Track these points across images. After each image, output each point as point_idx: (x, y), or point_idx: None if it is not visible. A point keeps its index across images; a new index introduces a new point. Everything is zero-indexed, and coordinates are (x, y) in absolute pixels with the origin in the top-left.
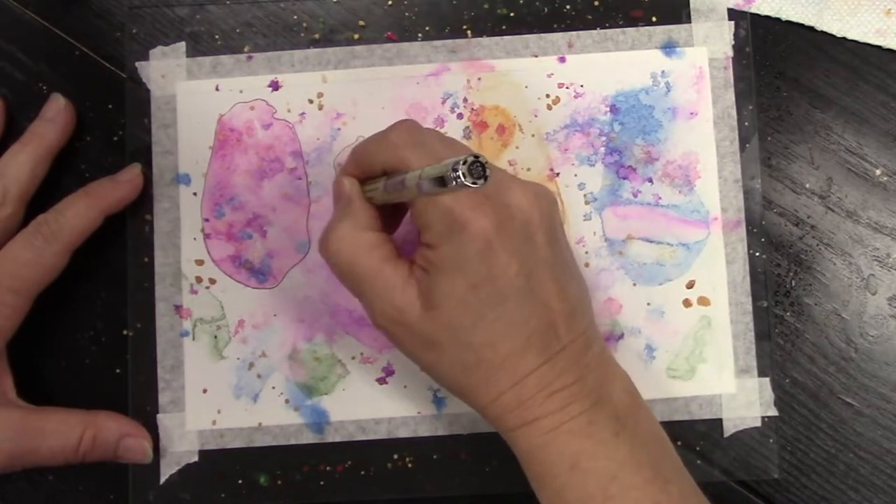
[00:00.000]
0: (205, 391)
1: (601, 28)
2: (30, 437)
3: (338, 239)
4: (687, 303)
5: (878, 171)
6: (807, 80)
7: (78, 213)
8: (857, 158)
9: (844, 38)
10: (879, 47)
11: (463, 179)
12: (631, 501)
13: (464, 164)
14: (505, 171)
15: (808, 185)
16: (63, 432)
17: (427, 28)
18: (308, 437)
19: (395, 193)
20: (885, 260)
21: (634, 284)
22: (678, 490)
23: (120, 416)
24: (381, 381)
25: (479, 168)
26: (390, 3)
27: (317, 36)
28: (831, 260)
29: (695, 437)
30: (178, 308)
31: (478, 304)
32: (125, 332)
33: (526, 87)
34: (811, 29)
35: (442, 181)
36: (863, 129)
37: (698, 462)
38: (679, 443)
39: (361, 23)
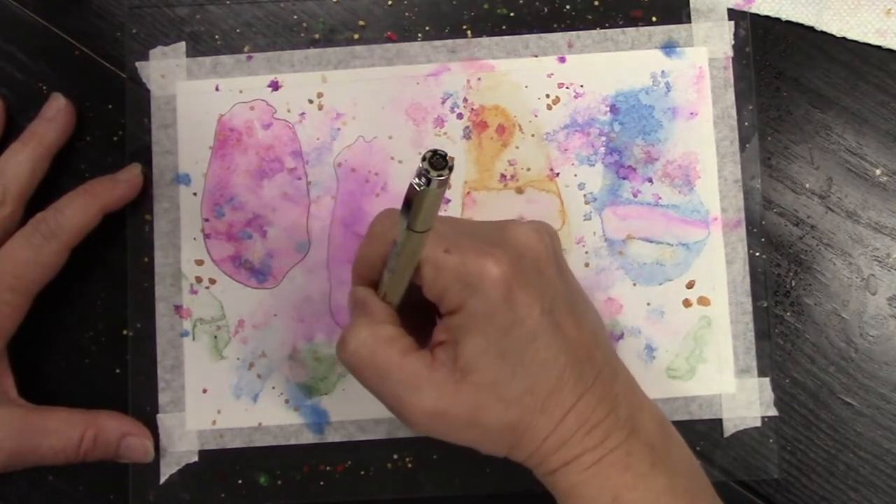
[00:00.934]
0: (205, 391)
1: (601, 28)
2: (31, 435)
3: (354, 337)
4: (687, 303)
5: (878, 171)
6: (807, 80)
7: (77, 212)
8: (857, 158)
9: (844, 38)
10: (879, 47)
11: (427, 174)
12: None
13: (423, 160)
14: (499, 220)
15: (808, 185)
16: (64, 431)
17: (427, 28)
18: (308, 437)
19: (397, 266)
20: (885, 260)
21: (634, 284)
22: None
23: (121, 415)
24: None
25: (439, 159)
26: (390, 3)
27: (317, 36)
28: (831, 260)
29: (695, 437)
30: (178, 308)
31: (512, 351)
32: (125, 332)
33: (526, 86)
34: (811, 29)
35: (409, 202)
36: (863, 129)
37: (698, 462)
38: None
39: (361, 23)
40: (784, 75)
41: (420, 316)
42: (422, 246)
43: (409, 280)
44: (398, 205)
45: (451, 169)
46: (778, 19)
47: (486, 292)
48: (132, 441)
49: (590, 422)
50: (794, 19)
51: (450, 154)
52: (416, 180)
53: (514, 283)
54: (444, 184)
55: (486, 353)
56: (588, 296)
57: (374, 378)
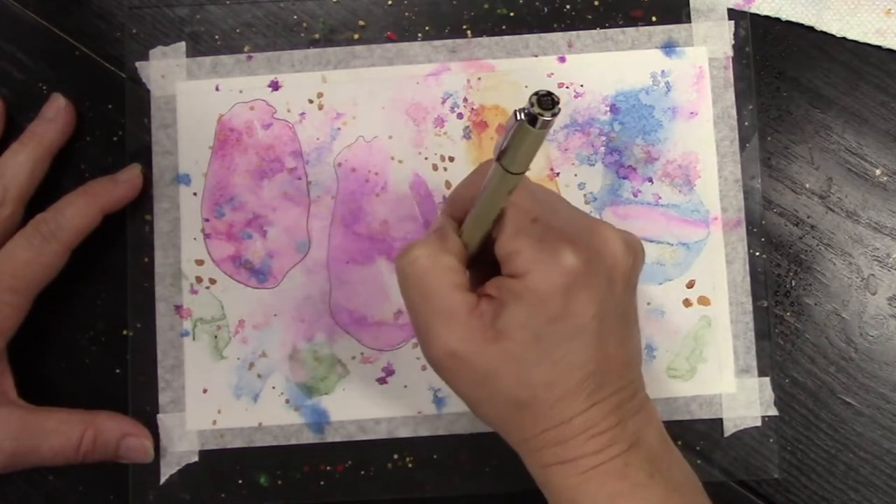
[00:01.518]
0: (205, 391)
1: (601, 28)
2: (30, 436)
3: (418, 249)
4: (687, 302)
5: (878, 171)
6: (807, 80)
7: (77, 212)
8: (857, 158)
9: (844, 38)
10: (879, 47)
11: (534, 114)
12: None
13: (532, 99)
14: (596, 218)
15: (808, 185)
16: (64, 432)
17: (427, 28)
18: (308, 437)
19: (482, 204)
20: (885, 260)
21: None
22: None
23: (120, 415)
24: (382, 380)
25: (548, 100)
26: (390, 2)
27: (317, 36)
28: (831, 260)
29: (695, 437)
30: (178, 308)
31: (548, 340)
32: (125, 332)
33: (526, 86)
34: (811, 29)
35: (507, 142)
36: (863, 129)
37: (698, 462)
38: (679, 443)
39: (361, 23)
40: (784, 75)
41: (485, 273)
42: (512, 188)
43: (489, 227)
44: (398, 205)
45: (557, 113)
46: (778, 19)
47: (551, 275)
48: (132, 441)
49: (596, 428)
50: (794, 19)
51: (558, 97)
52: (520, 117)
53: (581, 280)
54: (548, 126)
55: (524, 329)
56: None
57: (416, 295)
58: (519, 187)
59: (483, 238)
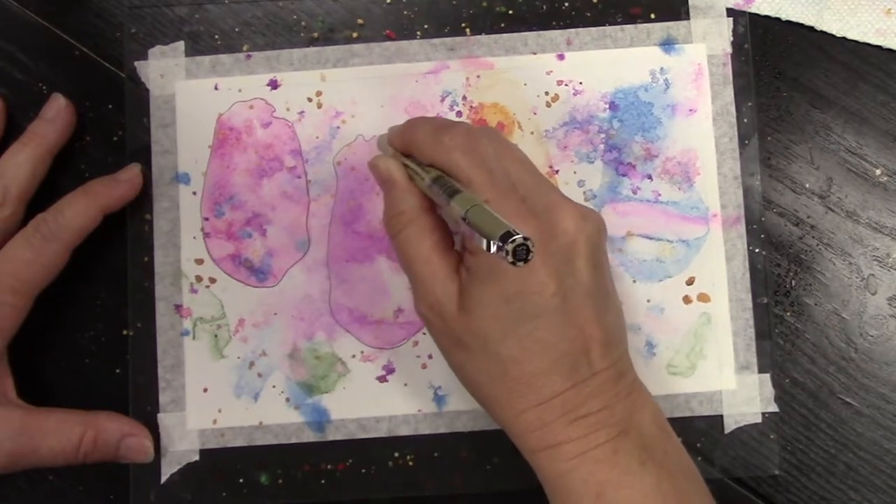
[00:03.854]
0: (205, 390)
1: (600, 25)
2: (30, 436)
3: (395, 219)
4: (687, 299)
5: (878, 171)
6: (807, 80)
7: (77, 212)
8: (857, 158)
9: (844, 38)
10: (879, 47)
11: (504, 256)
12: None
13: (511, 242)
14: (557, 190)
15: (808, 185)
16: (63, 432)
17: (426, 26)
18: (309, 436)
19: (437, 199)
20: (885, 260)
21: (634, 281)
22: None
23: (120, 416)
24: (382, 379)
25: (523, 252)
26: (389, 1)
27: (315, 35)
28: (831, 260)
29: (695, 434)
30: (178, 307)
31: (509, 318)
32: (125, 332)
33: (525, 84)
34: (811, 29)
35: (485, 243)
36: (863, 129)
37: (699, 459)
38: (680, 440)
39: (360, 21)
40: (784, 75)
41: None
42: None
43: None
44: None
45: (527, 261)
46: (778, 19)
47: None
48: (132, 442)
49: (577, 412)
50: (794, 19)
51: (532, 247)
52: (495, 244)
53: (536, 258)
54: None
55: (484, 306)
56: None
57: (401, 257)
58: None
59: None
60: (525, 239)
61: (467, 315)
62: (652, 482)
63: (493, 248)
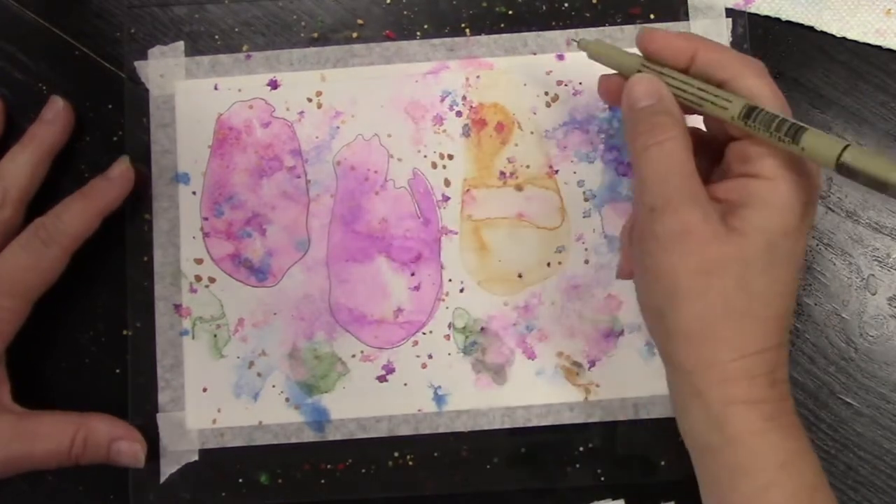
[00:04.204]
0: (205, 390)
1: (600, 26)
2: (23, 441)
3: (662, 128)
4: None
5: None
6: (807, 80)
7: (75, 216)
8: None
9: (844, 38)
10: (879, 47)
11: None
12: None
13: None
14: None
15: None
16: (55, 435)
17: (425, 26)
18: (309, 436)
19: (713, 106)
20: (885, 260)
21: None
22: None
23: (112, 418)
24: (382, 378)
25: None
26: (388, 1)
27: (315, 35)
28: (831, 260)
29: None
30: (177, 307)
31: (778, 253)
32: (125, 332)
33: (525, 84)
34: (811, 29)
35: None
36: (863, 129)
37: None
38: (680, 440)
39: (360, 21)
40: (784, 75)
41: None
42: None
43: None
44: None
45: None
46: (778, 19)
47: (801, 189)
48: (122, 445)
49: (776, 374)
50: (794, 19)
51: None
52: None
53: (813, 206)
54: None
55: (760, 233)
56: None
57: (657, 169)
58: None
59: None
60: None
61: (739, 237)
62: (819, 465)
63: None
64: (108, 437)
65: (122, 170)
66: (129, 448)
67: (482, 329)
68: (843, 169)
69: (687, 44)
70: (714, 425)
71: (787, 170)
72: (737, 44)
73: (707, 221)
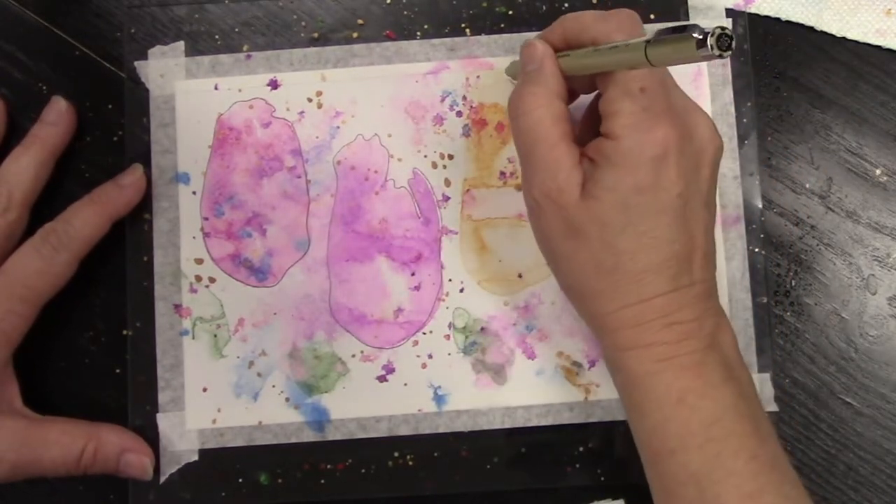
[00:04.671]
0: (205, 390)
1: None
2: (33, 447)
3: (532, 98)
4: None
5: (878, 171)
6: (807, 80)
7: (86, 222)
8: (857, 158)
9: (844, 38)
10: (879, 47)
11: (708, 49)
12: (731, 448)
13: (712, 36)
14: (694, 104)
15: (808, 185)
16: (65, 444)
17: (426, 26)
18: (308, 436)
19: (601, 58)
20: (885, 260)
21: None
22: (772, 451)
23: (122, 430)
24: (382, 378)
25: (726, 40)
26: (389, 1)
27: (315, 35)
28: (831, 260)
29: None
30: (177, 307)
31: (635, 209)
32: (125, 332)
33: None
34: (811, 29)
35: (664, 38)
36: (863, 129)
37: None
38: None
39: (360, 21)
40: (784, 75)
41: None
42: (636, 68)
43: (591, 73)
44: (397, 203)
45: (726, 56)
46: (778, 19)
47: (646, 144)
48: (131, 458)
49: (673, 316)
50: (794, 19)
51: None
52: (696, 35)
53: (672, 156)
54: (710, 59)
55: (613, 192)
56: None
57: (527, 141)
58: None
59: (577, 75)
60: (722, 27)
61: (592, 201)
62: (731, 400)
63: (699, 48)
64: (118, 449)
65: (135, 178)
66: (137, 461)
67: (482, 329)
68: (654, 45)
69: (561, 27)
70: (615, 370)
71: (632, 128)
72: (737, 44)
73: (567, 188)
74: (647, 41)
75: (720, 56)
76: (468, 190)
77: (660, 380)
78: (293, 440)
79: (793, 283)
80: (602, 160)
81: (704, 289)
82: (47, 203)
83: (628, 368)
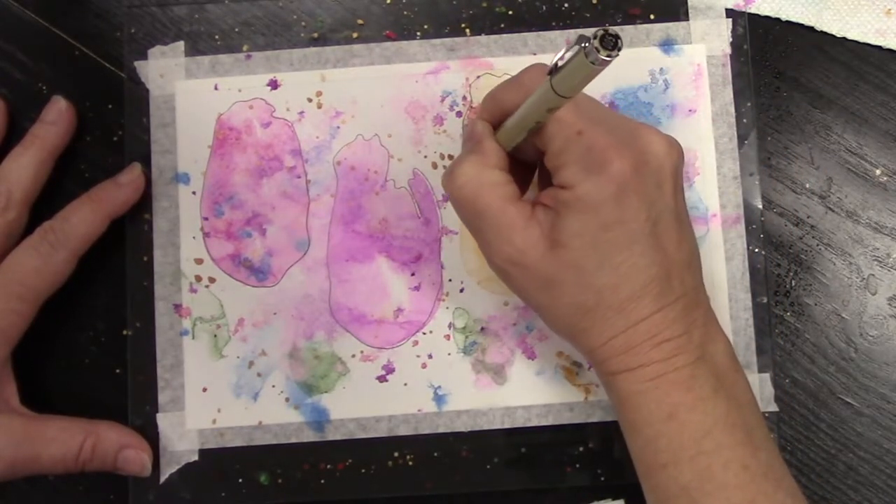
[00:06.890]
0: (205, 390)
1: (599, 26)
2: (31, 444)
3: (463, 173)
4: None
5: (878, 171)
6: (807, 80)
7: (84, 220)
8: (857, 158)
9: (844, 38)
10: (879, 47)
11: (597, 53)
12: (722, 460)
13: (594, 37)
14: (635, 120)
15: (808, 185)
16: (64, 441)
17: (426, 26)
18: (308, 436)
19: (525, 115)
20: (885, 260)
21: None
22: (766, 458)
23: (121, 426)
24: (382, 378)
25: (610, 40)
26: (389, 1)
27: (315, 35)
28: (831, 260)
29: None
30: (177, 307)
31: (606, 247)
32: (125, 332)
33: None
34: (811, 29)
35: (559, 65)
36: (863, 129)
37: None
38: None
39: (360, 21)
40: (784, 75)
41: (524, 166)
42: (555, 108)
43: (526, 135)
44: (398, 203)
45: (615, 55)
46: (778, 19)
47: (601, 184)
48: (129, 454)
49: (661, 335)
50: (794, 19)
51: (622, 39)
52: (585, 45)
53: (630, 186)
54: (605, 64)
55: (581, 237)
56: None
57: (472, 215)
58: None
59: (520, 143)
60: (605, 28)
61: (560, 250)
62: (722, 411)
63: (586, 56)
64: (116, 445)
65: (133, 176)
66: (136, 456)
67: (482, 329)
68: (559, 70)
69: (484, 108)
70: (608, 390)
71: (584, 173)
72: (737, 44)
73: (527, 248)
74: (550, 75)
75: (609, 57)
76: None
77: (651, 398)
78: (293, 440)
79: (793, 283)
80: (562, 208)
81: (688, 301)
82: (47, 202)
83: (619, 389)
